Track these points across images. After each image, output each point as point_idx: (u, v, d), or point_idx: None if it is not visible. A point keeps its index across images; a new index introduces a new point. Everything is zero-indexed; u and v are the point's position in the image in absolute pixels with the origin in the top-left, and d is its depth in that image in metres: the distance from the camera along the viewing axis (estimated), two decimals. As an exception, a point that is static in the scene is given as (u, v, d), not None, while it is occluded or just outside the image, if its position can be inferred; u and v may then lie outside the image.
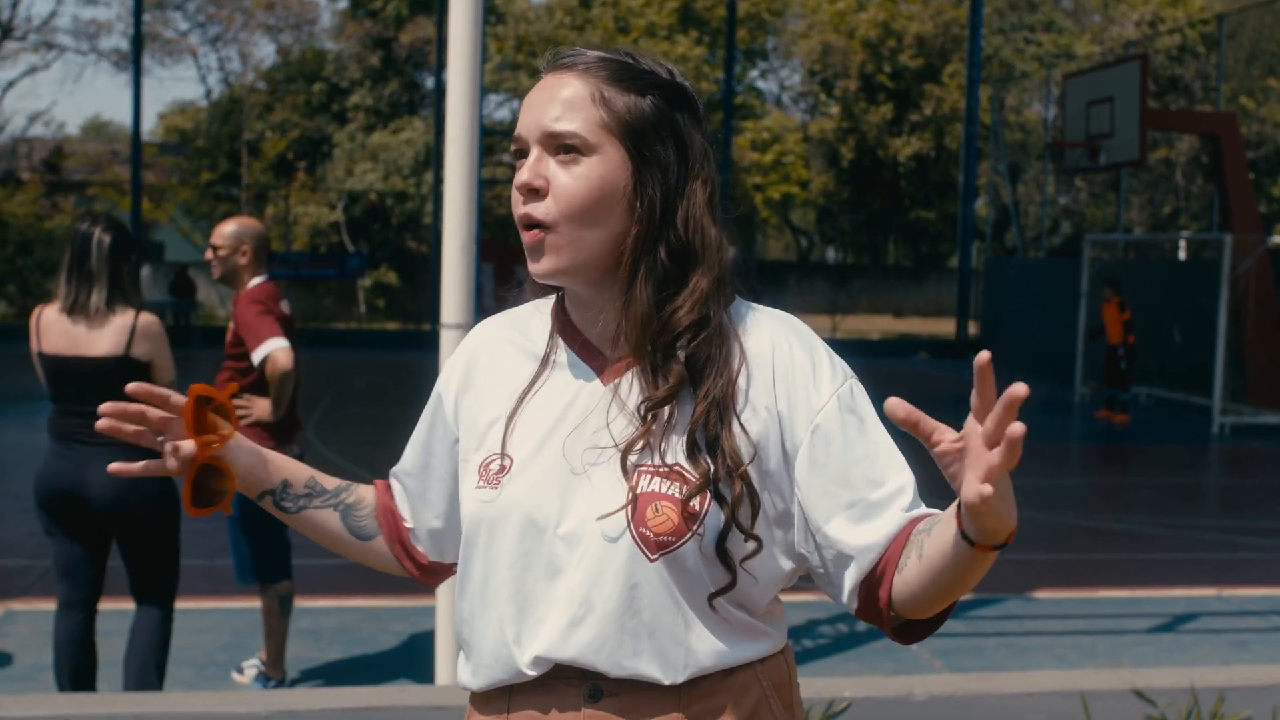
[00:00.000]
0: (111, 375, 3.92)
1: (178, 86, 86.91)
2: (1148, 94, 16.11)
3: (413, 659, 5.19)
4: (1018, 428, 1.14)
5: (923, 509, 1.43)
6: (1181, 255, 25.32)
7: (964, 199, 25.27)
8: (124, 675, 4.25)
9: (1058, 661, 5.41)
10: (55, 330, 3.99)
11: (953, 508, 1.30)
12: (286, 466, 1.62)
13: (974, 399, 1.19)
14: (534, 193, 1.42)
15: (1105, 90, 16.66)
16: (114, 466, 1.50)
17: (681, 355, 1.41)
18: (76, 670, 4.14)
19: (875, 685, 3.94)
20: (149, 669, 4.22)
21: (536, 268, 1.44)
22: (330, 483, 1.64)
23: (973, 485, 1.17)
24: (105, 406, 1.46)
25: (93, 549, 4.14)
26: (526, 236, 1.43)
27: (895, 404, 1.21)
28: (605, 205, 1.41)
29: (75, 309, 3.97)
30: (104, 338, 3.96)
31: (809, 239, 42.28)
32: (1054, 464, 12.46)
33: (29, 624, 5.58)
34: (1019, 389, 1.14)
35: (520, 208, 1.44)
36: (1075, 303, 16.76)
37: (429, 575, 1.67)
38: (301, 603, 5.33)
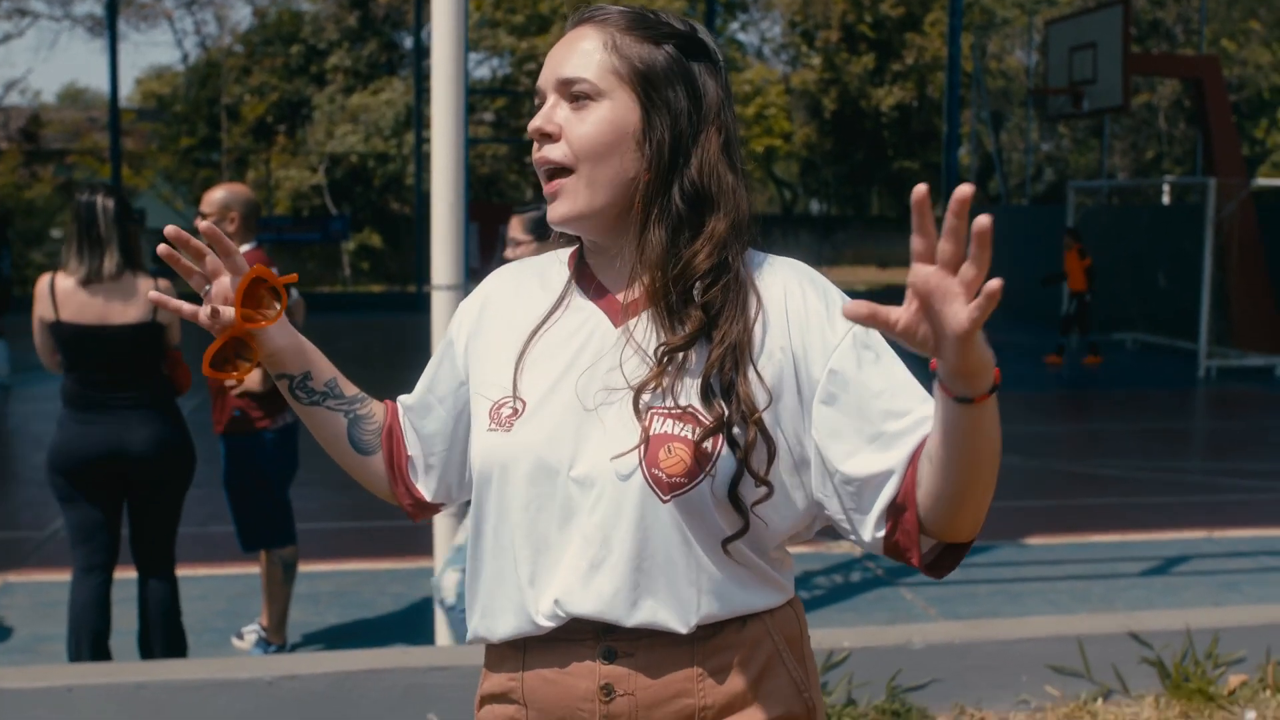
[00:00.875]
0: (137, 340, 4.08)
1: (154, 51, 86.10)
2: (1130, 39, 16.06)
3: (411, 620, 5.21)
4: (982, 219, 1.11)
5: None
6: (1165, 200, 25.33)
7: (947, 148, 25.07)
8: (145, 643, 4.33)
9: (1052, 607, 5.45)
10: (76, 300, 4.04)
11: (934, 392, 1.29)
12: (315, 360, 1.62)
13: (916, 241, 1.16)
14: (546, 136, 1.46)
15: (1087, 36, 16.60)
16: (154, 295, 1.52)
17: (699, 300, 1.42)
18: (96, 634, 4.19)
19: (873, 635, 3.97)
20: (177, 632, 4.35)
21: (554, 214, 1.47)
22: (349, 389, 1.66)
23: (959, 311, 1.14)
24: (170, 231, 1.46)
25: (110, 513, 4.22)
26: (547, 187, 1.47)
27: (852, 306, 1.18)
28: (617, 148, 1.44)
29: (92, 277, 4.03)
30: (132, 305, 4.06)
31: (793, 191, 42.19)
32: (1042, 411, 12.51)
33: (27, 595, 5.59)
34: (964, 188, 1.11)
35: (536, 153, 1.48)
36: (1060, 250, 16.76)
37: (418, 509, 1.68)
38: (300, 567, 5.34)
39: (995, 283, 1.12)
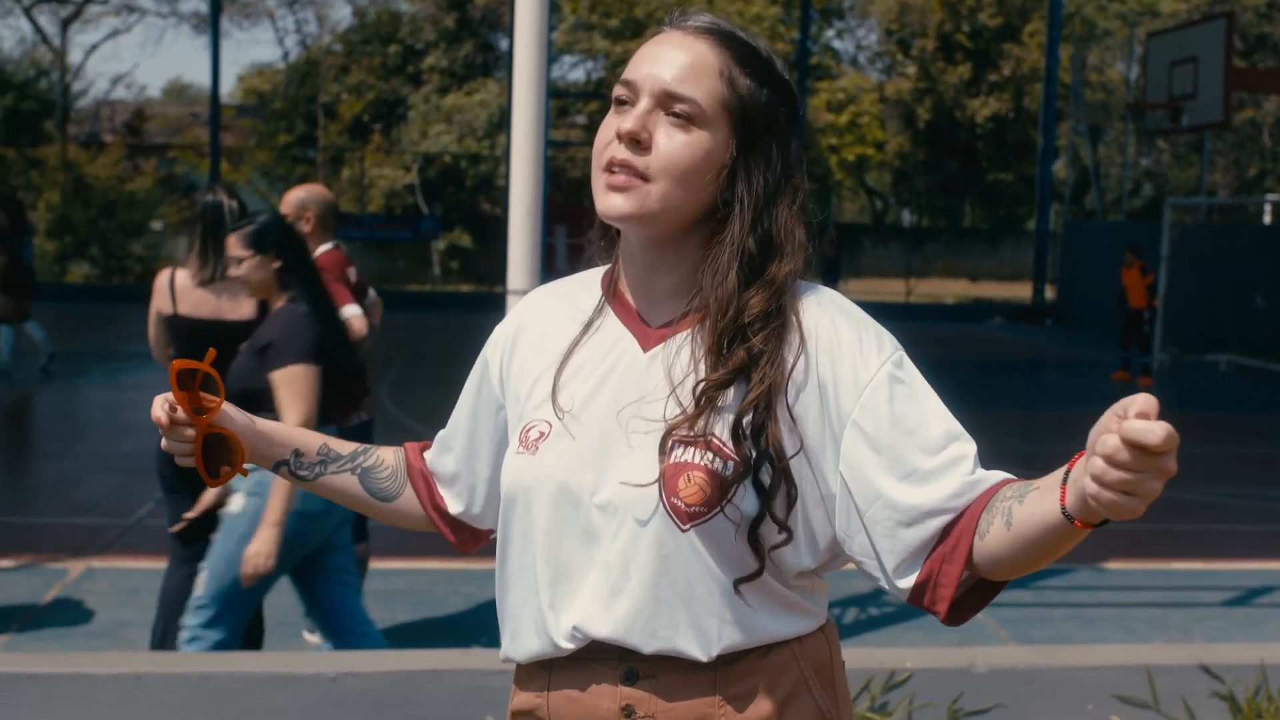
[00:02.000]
0: (248, 336, 4.14)
1: (255, 49, 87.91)
2: (1233, 53, 15.72)
3: (481, 621, 5.26)
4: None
5: (997, 475, 1.40)
6: (1266, 219, 24.74)
7: (1042, 161, 24.87)
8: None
9: (1126, 634, 5.35)
10: (194, 295, 4.17)
11: (1053, 480, 1.25)
12: (296, 436, 1.66)
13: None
14: (636, 143, 1.41)
15: (1189, 49, 16.29)
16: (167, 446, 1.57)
17: (748, 341, 1.41)
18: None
19: (937, 656, 3.92)
20: (258, 620, 4.41)
21: (611, 206, 1.42)
22: (345, 448, 1.68)
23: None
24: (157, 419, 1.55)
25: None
26: (615, 178, 1.41)
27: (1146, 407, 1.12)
28: (701, 177, 1.41)
29: (215, 277, 4.15)
30: (246, 303, 4.18)
31: (884, 201, 41.85)
32: (1130, 432, 12.26)
33: (109, 581, 5.72)
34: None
35: (618, 151, 1.42)
36: (1156, 267, 16.46)
37: (468, 541, 1.70)
38: (372, 564, 5.41)
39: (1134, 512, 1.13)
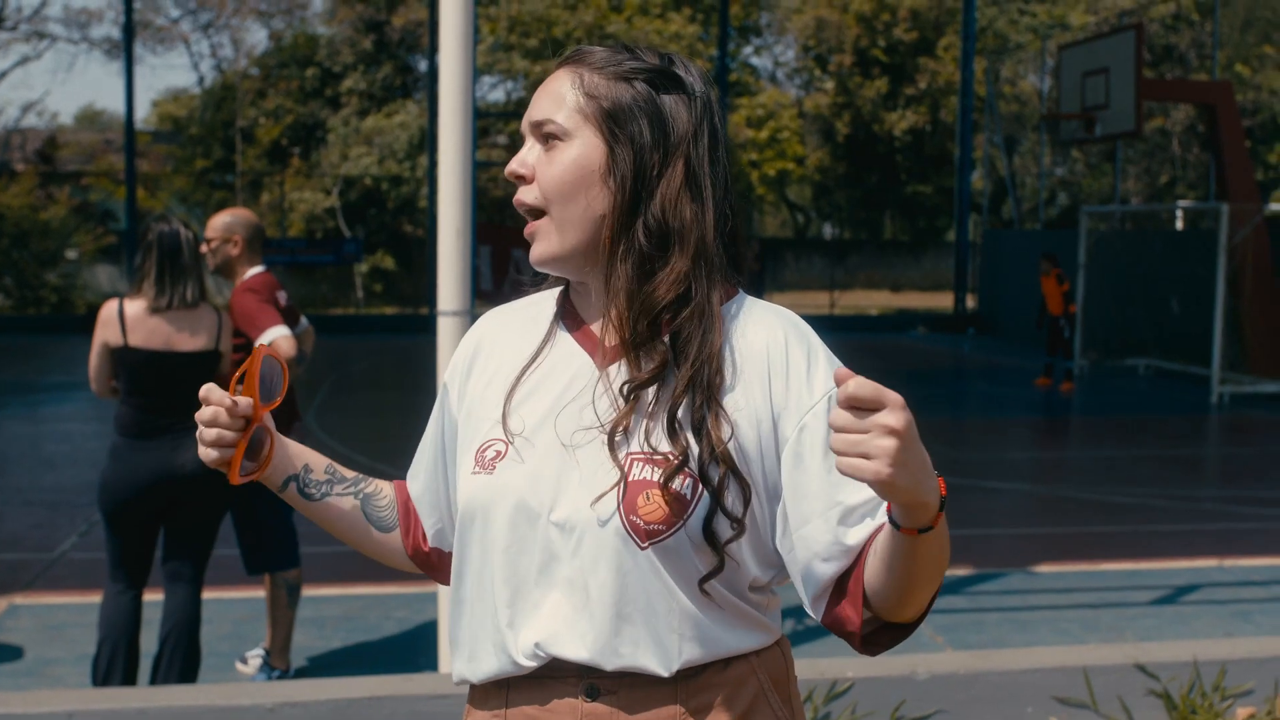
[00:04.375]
0: (201, 367, 4.23)
1: (170, 74, 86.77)
2: (1142, 64, 16.05)
3: (416, 645, 5.20)
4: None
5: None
6: (1179, 225, 25.29)
7: (960, 172, 25.24)
8: (158, 665, 4.36)
9: (1060, 635, 5.42)
10: (146, 326, 4.16)
11: None
12: (306, 452, 1.62)
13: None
14: (520, 179, 1.48)
15: (1100, 61, 16.60)
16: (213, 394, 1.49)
17: (664, 334, 1.42)
18: (131, 639, 4.29)
19: (878, 665, 3.94)
20: (196, 647, 4.41)
21: (532, 256, 1.49)
22: (348, 472, 1.65)
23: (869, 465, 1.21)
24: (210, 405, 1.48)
25: (153, 538, 4.35)
26: (526, 229, 1.50)
27: (845, 378, 1.22)
28: (583, 187, 1.44)
29: (172, 305, 4.16)
30: (199, 333, 4.22)
31: (805, 215, 42.20)
32: (1053, 436, 12.47)
33: (33, 618, 5.59)
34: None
35: (516, 194, 1.50)
36: (1073, 274, 16.74)
37: (448, 573, 1.68)
38: (305, 590, 5.34)
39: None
